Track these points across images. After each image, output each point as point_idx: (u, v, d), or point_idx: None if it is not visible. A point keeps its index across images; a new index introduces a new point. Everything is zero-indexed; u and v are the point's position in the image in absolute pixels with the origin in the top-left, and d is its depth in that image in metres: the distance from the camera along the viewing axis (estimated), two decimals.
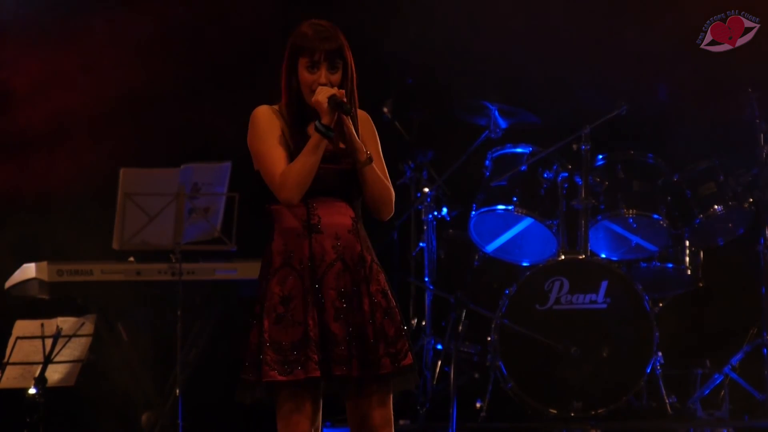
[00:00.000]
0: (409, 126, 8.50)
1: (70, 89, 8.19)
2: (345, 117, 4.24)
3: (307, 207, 4.29)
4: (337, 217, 4.30)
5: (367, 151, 4.27)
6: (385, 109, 8.23)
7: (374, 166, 4.28)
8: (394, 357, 4.25)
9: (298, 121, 4.30)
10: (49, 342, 6.67)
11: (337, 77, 4.27)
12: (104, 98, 8.24)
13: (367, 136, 4.38)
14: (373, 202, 4.33)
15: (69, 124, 8.20)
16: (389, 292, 4.33)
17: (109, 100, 8.25)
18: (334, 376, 4.21)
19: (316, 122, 4.21)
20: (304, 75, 4.28)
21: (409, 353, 4.29)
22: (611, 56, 8.33)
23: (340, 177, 4.30)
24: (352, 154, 4.27)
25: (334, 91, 4.21)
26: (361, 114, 4.40)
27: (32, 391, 6.70)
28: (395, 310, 4.31)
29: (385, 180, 4.33)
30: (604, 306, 7.68)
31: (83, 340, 6.80)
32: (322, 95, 4.20)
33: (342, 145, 4.30)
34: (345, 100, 4.22)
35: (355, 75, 4.34)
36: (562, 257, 7.80)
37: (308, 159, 4.20)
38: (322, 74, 4.26)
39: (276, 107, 4.36)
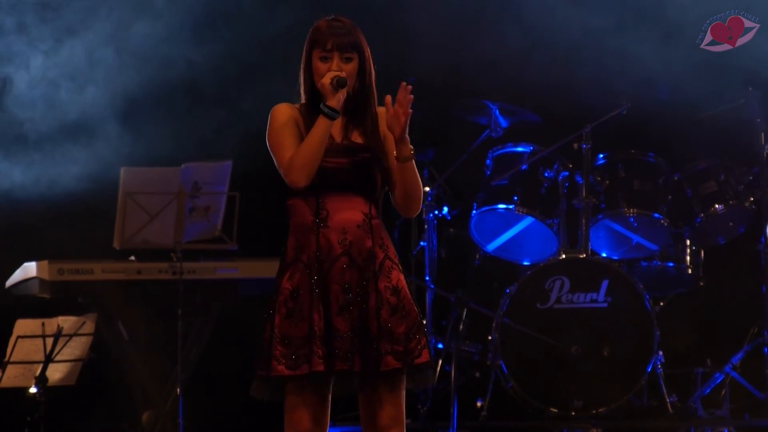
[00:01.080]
0: (410, 125, 8.47)
1: (72, 87, 8.19)
2: (365, 111, 4.26)
3: (317, 201, 4.30)
4: (347, 212, 4.31)
5: (411, 148, 4.29)
6: None
7: (413, 164, 4.31)
8: (401, 355, 4.24)
9: (314, 113, 4.32)
10: (49, 341, 6.68)
11: (350, 68, 4.30)
12: (106, 96, 8.25)
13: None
14: (405, 199, 4.35)
15: (70, 123, 8.20)
16: (403, 290, 4.31)
17: (111, 99, 8.25)
18: (336, 371, 4.22)
19: (321, 104, 4.25)
20: (318, 65, 4.32)
21: (425, 351, 4.28)
22: (612, 55, 8.32)
23: (355, 171, 4.32)
24: (397, 145, 4.28)
25: (337, 72, 4.25)
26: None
27: (33, 390, 6.71)
28: (410, 308, 4.30)
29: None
30: (605, 305, 7.68)
31: (84, 339, 6.81)
32: (326, 78, 4.25)
33: (358, 140, 4.34)
34: (346, 79, 4.25)
35: (373, 71, 4.38)
36: (563, 256, 7.80)
37: (313, 140, 4.23)
38: (334, 63, 4.30)
39: (297, 105, 4.39)
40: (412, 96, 4.27)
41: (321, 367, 4.19)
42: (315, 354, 4.19)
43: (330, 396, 4.31)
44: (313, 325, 4.22)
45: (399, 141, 4.28)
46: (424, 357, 4.28)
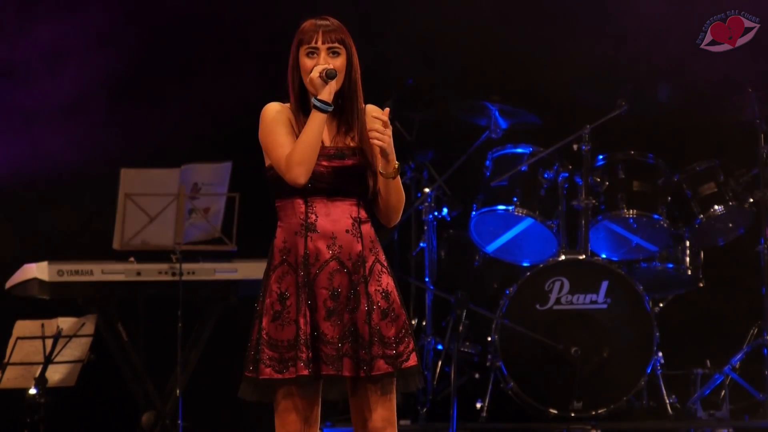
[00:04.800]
0: (410, 126, 8.49)
1: (70, 87, 8.19)
2: (352, 109, 4.27)
3: (306, 205, 4.30)
4: (336, 217, 4.30)
5: (396, 164, 4.29)
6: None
7: (398, 179, 4.32)
8: (392, 359, 4.24)
9: (304, 111, 4.32)
10: (49, 342, 6.69)
11: (337, 62, 4.29)
12: (105, 97, 8.25)
13: None
14: (387, 211, 4.37)
15: (70, 122, 8.20)
16: (393, 293, 4.32)
17: (110, 99, 8.26)
18: (322, 375, 4.22)
19: (313, 98, 4.24)
20: (305, 62, 4.30)
21: (413, 355, 4.29)
22: (612, 56, 8.33)
23: (345, 175, 4.30)
24: (384, 160, 4.27)
25: (325, 65, 4.25)
26: (374, 109, 4.42)
27: (33, 391, 6.72)
28: (399, 311, 4.31)
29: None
30: (605, 306, 7.69)
31: (83, 340, 6.82)
32: (314, 72, 4.25)
33: (348, 142, 4.33)
34: (335, 70, 4.24)
35: (358, 69, 4.36)
36: (563, 257, 7.81)
37: (309, 136, 4.21)
38: (321, 57, 4.28)
39: (287, 104, 4.38)
40: (384, 120, 4.22)
41: (305, 372, 4.18)
42: (299, 359, 4.19)
43: (320, 398, 4.31)
44: (299, 330, 4.21)
45: (382, 157, 4.27)
46: (412, 361, 4.28)
